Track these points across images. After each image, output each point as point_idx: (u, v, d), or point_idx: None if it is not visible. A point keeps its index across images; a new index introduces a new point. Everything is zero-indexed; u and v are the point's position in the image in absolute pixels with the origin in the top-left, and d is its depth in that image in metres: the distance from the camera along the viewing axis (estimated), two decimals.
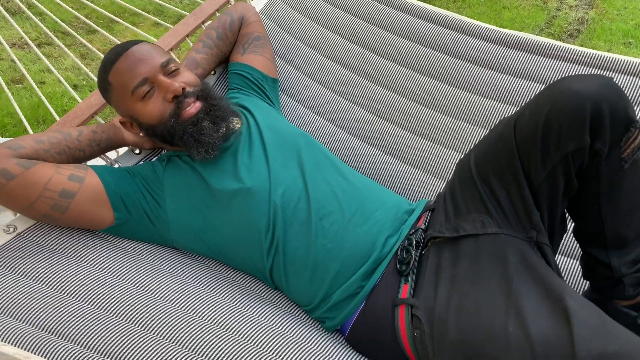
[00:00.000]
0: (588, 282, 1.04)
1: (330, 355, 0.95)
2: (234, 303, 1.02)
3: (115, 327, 0.89)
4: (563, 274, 1.14)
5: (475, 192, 0.95)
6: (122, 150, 1.23)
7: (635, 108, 0.92)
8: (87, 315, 0.90)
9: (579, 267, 1.04)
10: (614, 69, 1.29)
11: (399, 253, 1.00)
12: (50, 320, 0.89)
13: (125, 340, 0.87)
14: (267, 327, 0.97)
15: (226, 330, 0.94)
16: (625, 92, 0.92)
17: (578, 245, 1.02)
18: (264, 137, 1.12)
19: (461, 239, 0.93)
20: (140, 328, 0.91)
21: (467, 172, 0.98)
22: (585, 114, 0.82)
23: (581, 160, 0.87)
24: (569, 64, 1.33)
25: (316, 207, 1.02)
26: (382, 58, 1.48)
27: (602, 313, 0.78)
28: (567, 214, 0.99)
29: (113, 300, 0.94)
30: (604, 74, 1.02)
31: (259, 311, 1.02)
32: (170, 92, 1.03)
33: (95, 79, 1.17)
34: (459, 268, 0.91)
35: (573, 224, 1.00)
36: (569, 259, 1.17)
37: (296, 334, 0.98)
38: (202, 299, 1.00)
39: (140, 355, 0.85)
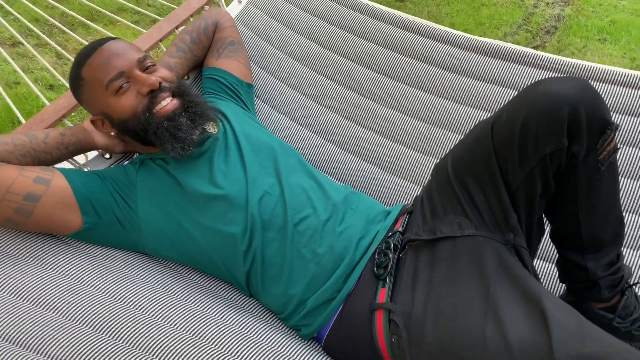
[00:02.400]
0: (564, 285, 1.04)
1: None
2: (207, 311, 0.98)
3: (81, 336, 0.85)
4: (540, 278, 1.14)
5: (452, 195, 0.94)
6: (92, 154, 1.19)
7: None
8: (51, 324, 0.86)
9: (556, 270, 1.04)
10: (587, 76, 1.31)
11: (376, 257, 0.99)
12: (12, 329, 0.84)
13: (92, 351, 0.83)
14: (242, 335, 0.94)
15: (198, 338, 0.90)
16: None
17: (554, 248, 1.02)
18: (240, 142, 1.10)
19: (438, 242, 0.92)
20: (108, 337, 0.86)
21: (444, 175, 0.97)
22: (563, 116, 0.82)
23: (559, 163, 0.87)
24: (543, 71, 1.35)
25: (292, 213, 1.00)
26: (357, 65, 1.48)
27: (579, 315, 0.78)
28: (544, 217, 0.99)
29: (79, 308, 0.90)
30: None
31: (233, 319, 0.98)
32: (147, 86, 1.01)
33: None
34: (436, 271, 0.89)
35: (549, 227, 1.00)
36: (545, 263, 1.17)
37: (272, 342, 0.95)
38: (174, 306, 0.96)
39: None
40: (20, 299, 0.90)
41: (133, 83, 1.02)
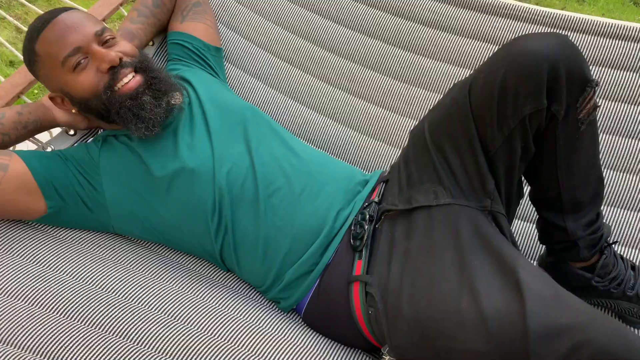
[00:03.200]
0: (544, 246, 1.03)
1: (286, 337, 0.92)
2: (183, 289, 0.97)
3: (51, 324, 0.83)
4: (519, 238, 1.14)
5: (428, 161, 0.92)
6: (56, 131, 1.14)
7: (590, 68, 0.90)
8: (19, 313, 0.84)
9: (535, 230, 1.04)
10: (567, 27, 1.27)
11: (352, 228, 0.97)
12: None
13: (63, 338, 0.81)
14: (219, 312, 0.93)
15: (174, 318, 0.90)
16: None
17: (533, 209, 1.01)
18: (205, 111, 1.05)
19: (414, 211, 0.91)
20: (79, 323, 0.85)
21: (421, 140, 0.94)
22: (542, 75, 0.79)
23: (538, 123, 0.84)
24: (522, 23, 1.30)
25: (264, 184, 0.97)
26: (332, 22, 1.41)
27: (555, 284, 0.77)
28: (523, 179, 0.97)
29: (48, 294, 0.88)
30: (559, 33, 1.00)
31: (210, 296, 0.97)
32: (106, 62, 0.95)
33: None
34: (412, 242, 0.88)
35: (529, 188, 0.99)
36: (525, 223, 1.16)
37: (250, 317, 0.94)
38: (148, 287, 0.94)
39: (81, 353, 0.80)
40: None
41: (91, 59, 0.96)
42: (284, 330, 0.94)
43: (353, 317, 0.91)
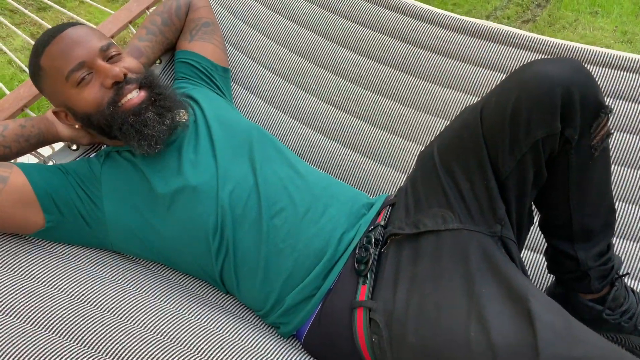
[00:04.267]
0: (553, 276, 1.01)
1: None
2: (180, 310, 0.94)
3: (45, 342, 0.80)
4: (527, 268, 1.11)
5: (437, 185, 0.90)
6: (58, 145, 1.13)
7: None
8: (14, 330, 0.81)
9: (544, 261, 1.01)
10: (578, 58, 1.26)
11: (357, 252, 0.94)
12: None
13: (53, 357, 0.78)
14: (217, 335, 0.90)
15: (169, 340, 0.86)
16: None
17: (543, 238, 0.99)
18: (211, 130, 1.04)
19: (422, 236, 0.88)
20: (74, 343, 0.82)
21: (429, 163, 0.93)
22: (556, 99, 0.78)
23: (551, 148, 0.83)
24: (531, 53, 1.30)
25: (267, 205, 0.95)
26: (339, 46, 1.41)
27: (567, 315, 0.75)
28: (533, 206, 0.95)
29: (43, 312, 0.85)
30: None
31: (208, 318, 0.94)
32: (110, 78, 0.94)
33: None
34: (419, 267, 0.86)
35: (538, 216, 0.97)
36: (533, 253, 1.14)
37: (248, 342, 0.91)
38: (144, 307, 0.91)
39: None
40: None
41: (96, 74, 0.95)
42: (281, 356, 0.91)
43: (356, 345, 0.88)
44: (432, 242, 0.87)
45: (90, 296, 0.90)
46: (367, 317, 0.87)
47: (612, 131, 0.88)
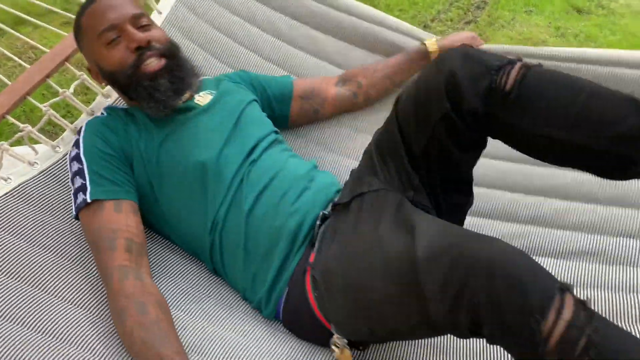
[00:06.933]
0: None
1: (259, 346, 0.94)
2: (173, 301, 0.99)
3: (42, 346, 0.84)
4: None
5: (371, 165, 1.01)
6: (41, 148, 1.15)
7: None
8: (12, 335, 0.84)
9: (564, 266, 1.10)
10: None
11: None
12: None
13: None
14: (198, 322, 0.96)
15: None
16: None
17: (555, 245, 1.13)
18: (222, 110, 1.13)
19: (352, 200, 0.97)
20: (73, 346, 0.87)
21: (369, 149, 1.04)
22: (441, 85, 0.86)
23: (454, 122, 0.87)
24: None
25: (253, 185, 1.03)
26: (301, 51, 1.49)
27: (449, 223, 0.81)
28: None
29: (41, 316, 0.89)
30: None
31: (191, 307, 1.00)
32: (135, 42, 1.03)
33: (6, 81, 1.24)
34: (346, 223, 0.94)
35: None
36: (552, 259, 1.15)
37: (233, 329, 0.97)
38: None
39: None
40: None
41: (124, 37, 1.05)
42: (261, 337, 0.97)
43: (310, 307, 0.94)
44: (359, 202, 0.96)
45: (89, 301, 0.95)
46: (312, 277, 0.94)
47: (529, 65, 0.85)
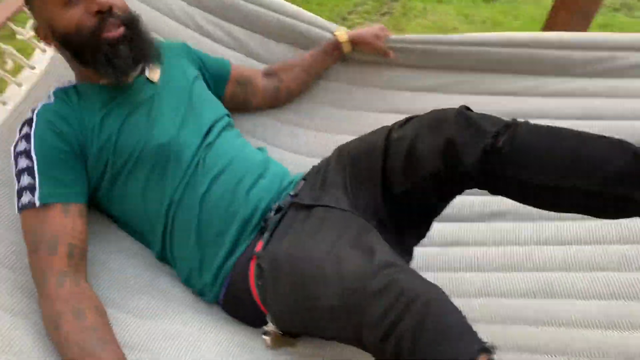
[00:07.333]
0: None
1: (205, 333, 0.96)
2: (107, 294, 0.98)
3: None
4: None
5: (342, 179, 1.01)
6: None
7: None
8: None
9: None
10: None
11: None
12: None
13: None
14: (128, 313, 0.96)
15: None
16: None
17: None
18: (174, 88, 1.11)
19: (316, 206, 0.98)
20: None
21: (342, 161, 1.03)
22: (441, 146, 0.88)
23: (444, 180, 0.91)
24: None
25: (209, 169, 1.04)
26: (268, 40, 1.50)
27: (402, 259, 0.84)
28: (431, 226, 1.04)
29: None
30: None
31: (132, 301, 1.00)
32: (95, 5, 0.97)
33: None
34: (305, 225, 0.95)
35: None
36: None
37: (173, 316, 0.99)
38: None
39: None
40: None
41: None
42: (204, 325, 0.99)
43: (251, 293, 0.96)
44: (322, 211, 0.97)
45: None
46: (257, 265, 0.95)
47: (519, 122, 0.89)
